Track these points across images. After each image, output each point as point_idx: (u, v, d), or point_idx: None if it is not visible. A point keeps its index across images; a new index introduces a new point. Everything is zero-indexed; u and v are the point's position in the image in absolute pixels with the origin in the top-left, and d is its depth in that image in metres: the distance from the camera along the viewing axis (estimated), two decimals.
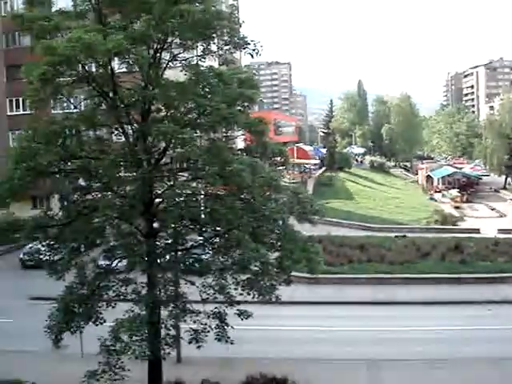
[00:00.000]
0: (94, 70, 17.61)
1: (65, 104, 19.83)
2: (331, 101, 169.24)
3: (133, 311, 17.31)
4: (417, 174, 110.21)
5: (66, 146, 17.77)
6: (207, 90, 17.58)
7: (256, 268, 17.40)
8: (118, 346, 16.42)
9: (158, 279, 17.84)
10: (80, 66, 16.88)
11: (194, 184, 18.31)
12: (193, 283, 18.81)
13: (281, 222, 18.40)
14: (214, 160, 16.75)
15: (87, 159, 18.11)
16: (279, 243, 18.38)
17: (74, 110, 19.10)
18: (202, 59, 18.57)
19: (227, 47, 18.69)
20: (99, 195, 18.67)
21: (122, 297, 18.40)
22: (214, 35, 18.13)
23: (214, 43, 18.57)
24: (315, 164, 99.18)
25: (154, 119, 17.92)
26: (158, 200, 18.38)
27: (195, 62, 18.38)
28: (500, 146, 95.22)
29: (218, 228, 18.33)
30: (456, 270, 35.88)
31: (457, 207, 72.88)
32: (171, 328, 17.66)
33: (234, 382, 20.88)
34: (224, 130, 19.32)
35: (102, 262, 19.29)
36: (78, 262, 18.48)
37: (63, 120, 18.34)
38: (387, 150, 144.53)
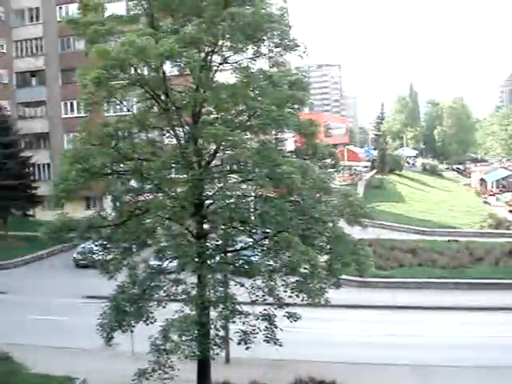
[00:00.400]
0: (146, 73, 17.88)
1: (118, 107, 20.24)
2: (382, 103, 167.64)
3: (183, 311, 17.41)
4: (470, 177, 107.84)
5: (118, 148, 18.07)
6: (257, 92, 17.65)
7: (305, 270, 17.23)
8: (167, 346, 16.58)
9: (208, 280, 17.88)
10: (133, 69, 17.18)
11: (244, 186, 18.33)
12: (242, 285, 18.81)
13: (331, 225, 18.29)
14: (263, 162, 16.77)
15: (139, 161, 18.42)
16: (329, 246, 18.29)
17: (127, 113, 19.42)
18: (253, 61, 18.63)
19: (277, 49, 18.70)
20: (151, 196, 18.91)
21: (172, 297, 18.51)
22: (265, 38, 18.17)
23: (265, 45, 18.57)
24: (366, 166, 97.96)
25: (205, 121, 18.07)
26: (208, 202, 18.47)
27: (246, 65, 18.46)
28: None
29: (267, 230, 18.19)
30: (510, 275, 34.90)
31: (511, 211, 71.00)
32: (220, 329, 17.73)
33: (282, 383, 20.86)
34: (274, 132, 19.35)
35: (153, 263, 19.48)
36: (129, 261, 18.76)
37: (116, 123, 18.70)
38: (439, 153, 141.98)
